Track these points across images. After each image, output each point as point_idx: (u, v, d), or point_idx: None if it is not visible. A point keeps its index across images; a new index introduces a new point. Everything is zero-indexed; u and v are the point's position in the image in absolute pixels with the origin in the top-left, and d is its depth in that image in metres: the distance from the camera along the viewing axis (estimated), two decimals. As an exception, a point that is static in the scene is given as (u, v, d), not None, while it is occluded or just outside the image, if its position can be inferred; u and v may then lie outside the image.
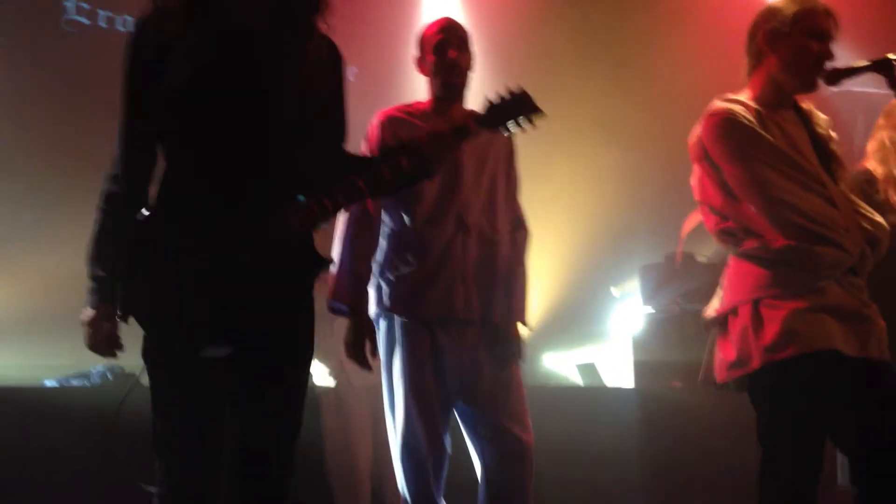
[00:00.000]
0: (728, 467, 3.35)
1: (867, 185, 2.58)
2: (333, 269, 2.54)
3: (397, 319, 2.54)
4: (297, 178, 1.89)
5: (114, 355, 1.92)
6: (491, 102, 1.94)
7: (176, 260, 1.81)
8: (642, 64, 6.13)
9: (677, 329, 4.48)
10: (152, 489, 1.87)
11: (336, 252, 2.56)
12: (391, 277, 2.57)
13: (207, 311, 1.82)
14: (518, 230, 2.74)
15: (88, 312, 1.89)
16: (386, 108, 2.71)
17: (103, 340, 1.89)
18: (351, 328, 2.54)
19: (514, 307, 2.67)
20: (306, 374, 1.97)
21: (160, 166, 1.93)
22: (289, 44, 1.92)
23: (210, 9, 1.88)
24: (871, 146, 2.80)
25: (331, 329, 3.52)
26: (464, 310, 2.55)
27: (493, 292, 2.61)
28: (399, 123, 2.63)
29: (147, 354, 1.87)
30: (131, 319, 1.89)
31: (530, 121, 1.93)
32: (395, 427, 2.54)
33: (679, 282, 4.64)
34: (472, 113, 2.01)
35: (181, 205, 1.84)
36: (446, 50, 2.63)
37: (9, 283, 4.69)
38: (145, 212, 1.84)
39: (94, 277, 1.89)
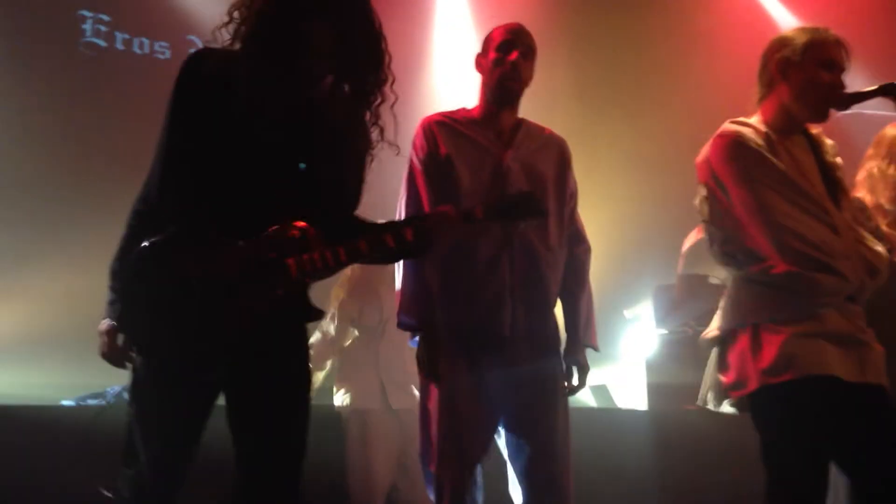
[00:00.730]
0: (742, 490, 3.32)
1: (859, 213, 2.58)
2: (399, 282, 2.51)
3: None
4: (315, 237, 1.90)
5: (124, 366, 2.03)
6: (503, 198, 2.14)
7: (176, 292, 1.83)
8: (657, 86, 6.15)
9: (690, 351, 4.44)
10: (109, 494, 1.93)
11: (400, 265, 2.51)
12: (434, 291, 2.47)
13: (199, 347, 1.85)
14: (577, 246, 2.63)
15: (105, 324, 2.03)
16: (431, 114, 2.64)
17: (116, 351, 2.03)
18: (423, 343, 2.45)
19: (579, 330, 2.55)
20: (301, 419, 1.97)
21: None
22: (344, 107, 1.96)
23: (274, 63, 1.87)
24: (860, 176, 2.81)
25: (376, 350, 3.52)
26: (509, 327, 2.43)
27: (544, 312, 2.50)
28: (444, 131, 2.56)
29: (138, 380, 1.90)
30: None
31: (532, 222, 2.28)
32: (427, 446, 2.46)
33: (692, 304, 4.63)
34: (483, 204, 2.06)
35: (190, 239, 1.86)
36: (511, 50, 2.54)
37: (28, 303, 4.74)
38: (152, 240, 1.85)
39: (113, 290, 1.99)
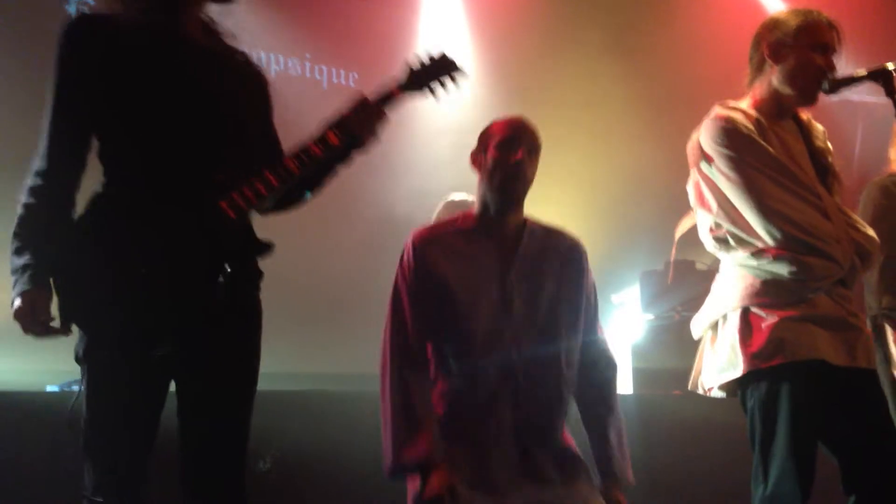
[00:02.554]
0: (727, 474, 3.35)
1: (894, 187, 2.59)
2: (386, 419, 2.14)
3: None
4: (240, 177, 1.89)
5: (51, 330, 1.85)
6: (411, 67, 2.03)
7: (115, 260, 1.80)
8: (643, 72, 6.15)
9: (676, 336, 4.49)
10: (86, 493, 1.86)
11: (383, 399, 2.17)
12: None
13: (147, 313, 1.81)
14: (606, 369, 2.31)
15: (17, 304, 1.83)
16: (420, 228, 2.31)
17: (39, 324, 1.84)
18: (437, 478, 2.06)
19: (614, 463, 2.22)
20: (253, 372, 1.96)
21: (92, 167, 1.91)
22: (221, 55, 1.98)
23: (151, 20, 1.90)
24: (893, 153, 2.83)
25: None
26: (505, 484, 2.09)
27: (557, 450, 2.18)
28: (437, 251, 2.24)
29: (85, 356, 1.85)
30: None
31: (454, 80, 2.06)
32: None
33: (679, 289, 4.65)
34: (399, 83, 2.03)
35: (119, 206, 1.84)
36: (514, 149, 2.23)
37: (10, 289, 4.69)
38: (81, 212, 1.83)
39: (18, 269, 1.83)
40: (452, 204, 4.18)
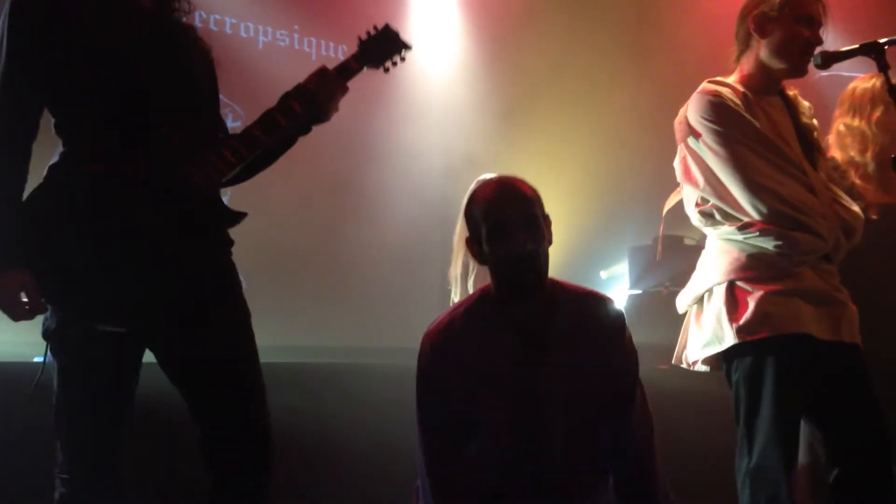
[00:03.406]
0: (713, 448, 3.38)
1: (834, 173, 2.61)
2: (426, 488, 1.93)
3: None
4: (196, 142, 1.89)
5: (43, 311, 1.82)
6: (363, 42, 2.06)
7: (80, 232, 1.78)
8: (634, 50, 6.13)
9: (665, 311, 4.49)
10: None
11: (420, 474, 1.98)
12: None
13: (116, 284, 1.78)
14: (638, 461, 1.98)
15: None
16: (431, 332, 1.99)
17: (22, 310, 1.79)
18: None
19: None
20: (247, 336, 1.93)
21: (47, 139, 1.89)
22: (170, 23, 1.96)
23: None
24: (830, 138, 2.84)
25: None
26: None
27: None
28: (454, 353, 1.93)
29: (54, 333, 1.82)
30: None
31: (402, 57, 2.09)
32: None
33: (667, 264, 4.67)
34: (353, 54, 2.06)
35: (81, 175, 1.81)
36: (510, 233, 1.89)
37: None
38: (42, 184, 1.81)
39: None
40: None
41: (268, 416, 1.91)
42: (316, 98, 1.96)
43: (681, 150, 2.32)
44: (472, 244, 1.99)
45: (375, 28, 2.08)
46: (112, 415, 1.88)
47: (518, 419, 1.91)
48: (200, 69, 2.01)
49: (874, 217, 2.62)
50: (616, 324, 2.01)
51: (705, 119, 2.22)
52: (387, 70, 2.09)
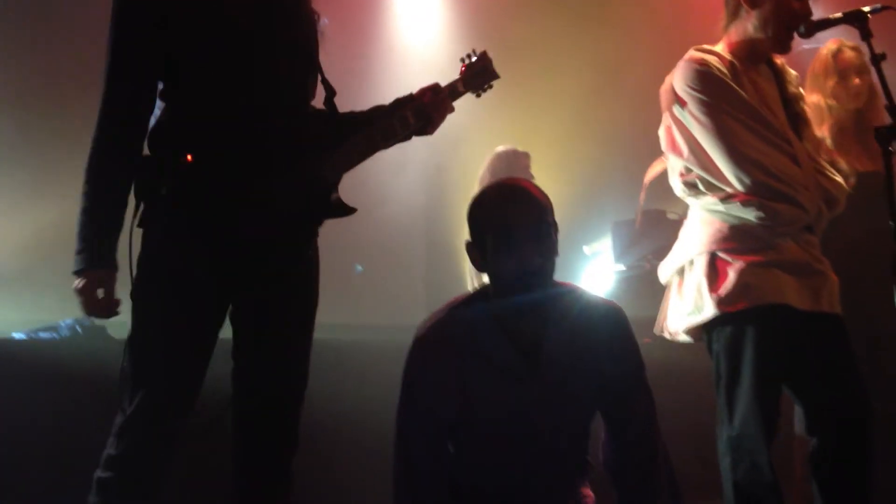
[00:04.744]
0: (694, 418, 3.41)
1: (819, 144, 2.62)
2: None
3: None
4: (319, 133, 1.99)
5: (116, 314, 1.90)
6: (470, 68, 2.19)
7: (223, 202, 1.85)
8: (619, 16, 6.09)
9: (648, 286, 4.52)
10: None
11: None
12: None
13: (237, 253, 1.87)
14: (647, 462, 1.89)
15: (79, 281, 1.85)
16: (426, 327, 1.86)
17: (102, 306, 1.87)
18: None
19: None
20: (308, 329, 2.02)
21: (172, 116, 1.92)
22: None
23: None
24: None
25: None
26: None
27: None
28: (447, 353, 1.81)
29: (156, 272, 1.87)
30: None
31: (491, 86, 2.24)
32: None
33: (649, 238, 4.67)
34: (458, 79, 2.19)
35: (223, 155, 1.86)
36: (516, 246, 1.74)
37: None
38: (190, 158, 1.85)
39: (83, 237, 1.85)
40: (501, 156, 4.22)
41: (300, 405, 1.99)
42: (429, 114, 2.09)
43: (666, 119, 2.30)
44: (474, 250, 1.83)
45: (475, 53, 2.22)
46: (190, 364, 1.89)
47: (509, 429, 1.82)
48: (313, 44, 2.07)
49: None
50: (617, 330, 1.88)
51: (691, 88, 2.20)
52: (479, 96, 2.24)
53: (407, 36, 6.20)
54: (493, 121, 5.71)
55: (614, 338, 1.87)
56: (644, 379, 1.91)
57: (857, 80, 2.93)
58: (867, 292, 2.61)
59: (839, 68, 2.92)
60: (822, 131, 2.86)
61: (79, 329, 3.69)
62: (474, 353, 1.81)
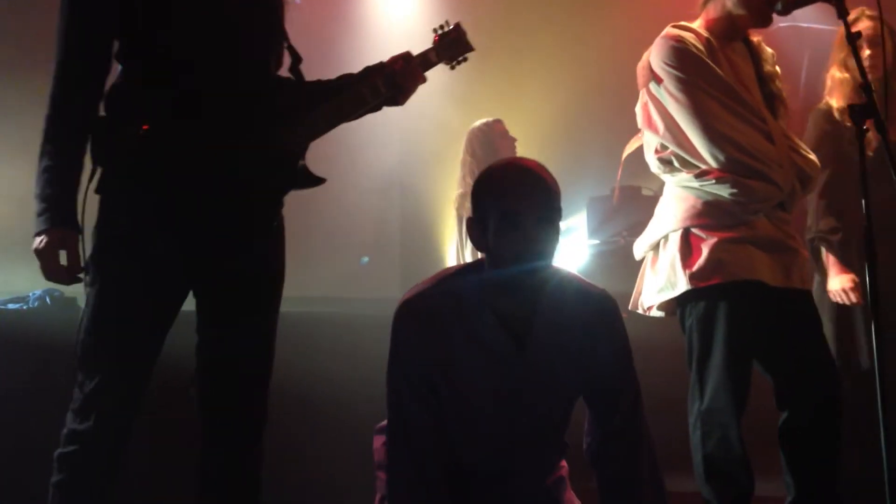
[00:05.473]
0: (666, 393, 3.46)
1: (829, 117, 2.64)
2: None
3: None
4: (285, 101, 1.94)
5: (77, 281, 1.83)
6: (442, 38, 2.13)
7: (183, 172, 1.79)
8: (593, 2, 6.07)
9: (622, 261, 4.55)
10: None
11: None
12: None
13: (198, 224, 1.82)
14: (632, 450, 1.85)
15: (40, 241, 1.77)
16: (412, 296, 1.82)
17: (60, 269, 1.80)
18: None
19: None
20: (278, 296, 1.99)
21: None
22: None
23: None
24: (828, 77, 2.93)
25: None
26: None
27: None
28: (436, 333, 1.78)
29: (114, 243, 1.82)
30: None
31: (466, 58, 2.17)
32: None
33: (624, 214, 4.69)
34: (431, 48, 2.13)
35: (180, 125, 1.81)
36: (522, 229, 1.69)
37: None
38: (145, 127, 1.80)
39: (44, 197, 1.78)
40: (476, 132, 4.22)
41: (267, 379, 1.96)
42: (400, 82, 2.02)
43: (642, 96, 2.30)
44: (474, 228, 1.78)
45: (448, 24, 2.15)
46: (148, 339, 1.86)
47: (492, 406, 1.81)
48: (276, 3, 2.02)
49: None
50: (607, 318, 1.85)
51: (667, 64, 2.20)
52: (453, 68, 2.17)
53: (382, 10, 6.12)
54: (469, 95, 5.68)
55: (604, 326, 1.85)
56: (632, 369, 1.89)
57: (868, 52, 2.83)
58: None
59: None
60: (841, 103, 2.86)
61: (48, 300, 3.64)
62: (461, 326, 1.78)
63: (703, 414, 2.15)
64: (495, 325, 1.78)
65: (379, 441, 1.98)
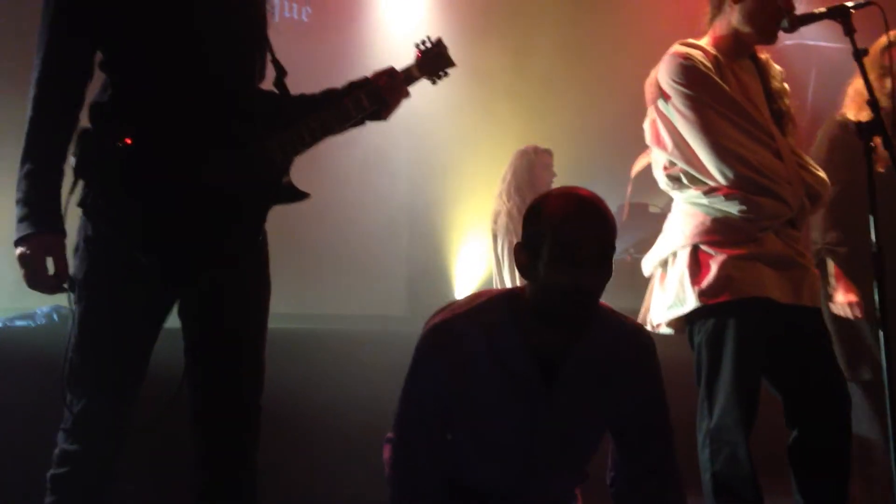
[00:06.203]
0: (674, 409, 3.45)
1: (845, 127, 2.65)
2: None
3: None
4: (269, 115, 1.93)
5: (61, 290, 1.78)
6: (424, 53, 2.15)
7: (167, 186, 1.79)
8: (602, 14, 6.10)
9: (628, 278, 4.54)
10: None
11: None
12: None
13: (182, 238, 1.80)
14: (663, 491, 1.78)
15: (24, 249, 1.73)
16: (442, 320, 1.76)
17: (48, 278, 1.75)
18: None
19: None
20: (260, 313, 1.96)
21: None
22: None
23: None
24: (850, 89, 2.96)
25: None
26: None
27: None
28: (462, 348, 1.71)
29: (86, 278, 1.80)
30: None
31: (447, 73, 2.20)
32: None
33: (631, 231, 4.69)
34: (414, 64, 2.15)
35: (165, 137, 1.80)
36: (579, 266, 1.61)
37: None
38: (129, 140, 1.79)
39: (27, 202, 1.73)
40: (521, 155, 4.33)
41: (259, 394, 1.93)
42: (385, 97, 2.04)
43: (650, 113, 2.31)
44: (522, 253, 1.69)
45: (429, 39, 2.18)
46: (135, 359, 1.84)
47: (512, 436, 1.75)
48: (258, 18, 2.00)
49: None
50: (643, 356, 1.78)
51: (675, 82, 2.21)
52: (434, 82, 2.20)
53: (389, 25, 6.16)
54: (476, 114, 5.70)
55: (639, 366, 1.77)
56: (666, 408, 1.81)
57: (890, 84, 2.78)
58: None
59: (883, 63, 2.86)
60: (861, 117, 2.86)
61: (55, 317, 3.65)
62: (489, 355, 1.71)
63: (712, 432, 2.13)
64: (527, 359, 1.71)
65: (388, 452, 1.94)
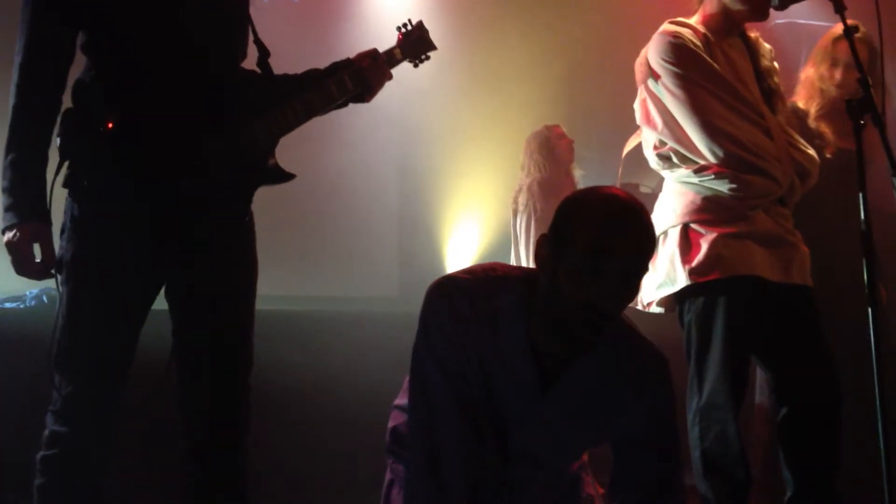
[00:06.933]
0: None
1: (791, 117, 2.64)
2: None
3: None
4: (253, 95, 1.93)
5: (49, 276, 1.81)
6: (406, 36, 2.16)
7: (150, 167, 1.78)
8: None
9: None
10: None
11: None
12: None
13: (168, 220, 1.81)
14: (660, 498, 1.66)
15: (12, 236, 1.76)
16: (455, 282, 1.64)
17: (35, 265, 1.79)
18: None
19: None
20: (252, 292, 1.97)
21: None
22: None
23: None
24: (803, 73, 2.92)
25: None
26: None
27: None
28: (466, 326, 1.58)
29: (73, 259, 1.80)
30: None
31: (429, 57, 2.21)
32: None
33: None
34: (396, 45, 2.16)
35: (149, 121, 1.80)
36: (605, 278, 1.47)
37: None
38: (111, 125, 1.78)
39: (13, 191, 1.76)
40: (534, 137, 4.43)
41: (248, 373, 1.93)
42: (368, 79, 2.04)
43: (641, 92, 2.30)
44: (546, 245, 1.55)
45: (411, 22, 2.19)
46: (123, 340, 1.84)
47: (514, 422, 1.65)
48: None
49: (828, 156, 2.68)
50: (655, 386, 1.65)
51: (665, 60, 2.20)
52: (416, 65, 2.21)
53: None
54: (468, 95, 5.68)
55: (646, 393, 1.65)
56: (676, 432, 1.69)
57: (839, 75, 2.81)
58: (838, 267, 2.63)
59: (832, 55, 2.86)
60: (810, 106, 2.87)
61: (45, 299, 3.64)
62: (492, 341, 1.59)
63: (702, 409, 2.15)
64: (528, 362, 1.59)
65: (396, 419, 1.83)
